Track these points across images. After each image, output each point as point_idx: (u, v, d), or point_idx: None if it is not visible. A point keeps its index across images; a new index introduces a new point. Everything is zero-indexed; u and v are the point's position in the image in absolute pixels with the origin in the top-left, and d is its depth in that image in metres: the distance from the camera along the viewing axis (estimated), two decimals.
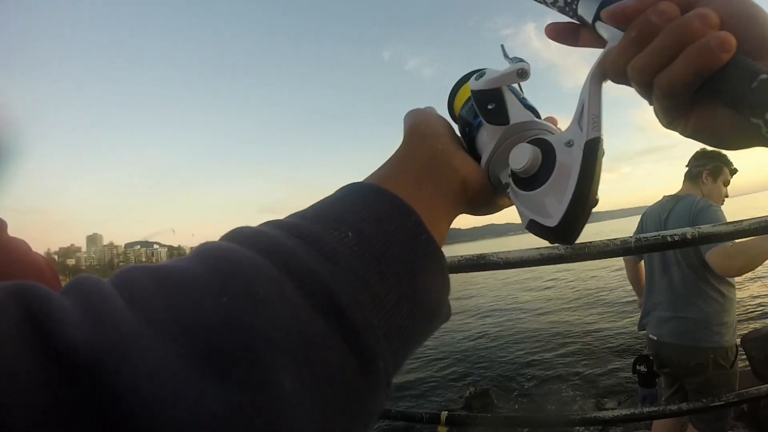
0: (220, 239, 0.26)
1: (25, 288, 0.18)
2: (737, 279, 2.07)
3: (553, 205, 0.33)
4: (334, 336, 0.22)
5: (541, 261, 1.00)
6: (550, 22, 0.39)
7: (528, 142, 0.37)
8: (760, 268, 1.93)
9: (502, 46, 0.45)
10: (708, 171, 2.19)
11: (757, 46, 0.27)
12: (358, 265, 0.25)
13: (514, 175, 0.37)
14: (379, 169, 0.38)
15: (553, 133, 0.39)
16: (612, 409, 1.06)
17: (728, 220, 1.20)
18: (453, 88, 0.48)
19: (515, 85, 0.43)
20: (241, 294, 0.20)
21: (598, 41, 0.35)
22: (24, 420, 0.14)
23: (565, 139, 0.34)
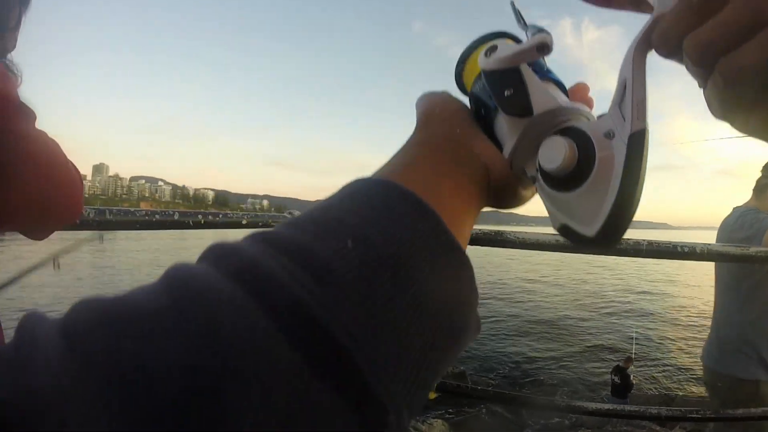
0: (197, 260, 0.22)
1: None
2: None
3: (592, 210, 0.28)
4: (324, 384, 0.17)
5: (556, 247, 1.02)
6: None
7: (559, 132, 0.32)
8: None
9: (513, 4, 0.38)
10: None
11: None
12: (358, 284, 0.20)
13: (543, 172, 0.32)
14: (390, 158, 0.33)
15: (587, 118, 0.34)
16: (596, 401, 1.10)
17: None
18: (461, 56, 0.41)
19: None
20: (200, 331, 0.17)
21: (636, 2, 0.30)
22: None
23: (605, 128, 0.29)
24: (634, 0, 0.30)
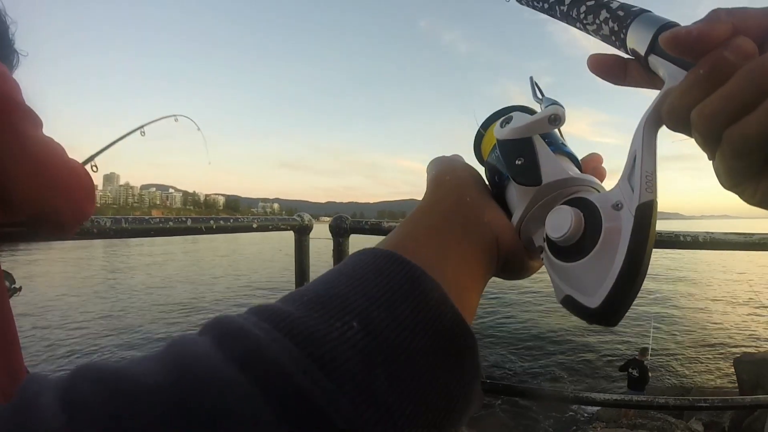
0: (200, 330, 0.23)
1: None
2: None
3: (596, 281, 0.28)
4: None
5: None
6: (594, 53, 0.34)
7: (567, 202, 0.33)
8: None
9: (532, 79, 0.40)
10: None
11: None
12: (363, 371, 0.20)
13: (550, 241, 0.32)
14: (400, 224, 0.34)
15: (597, 190, 0.35)
16: (604, 392, 1.12)
17: None
18: (479, 130, 0.43)
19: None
20: (201, 419, 0.17)
21: (649, 79, 0.31)
22: None
23: (613, 200, 0.30)
24: (648, 78, 0.31)
